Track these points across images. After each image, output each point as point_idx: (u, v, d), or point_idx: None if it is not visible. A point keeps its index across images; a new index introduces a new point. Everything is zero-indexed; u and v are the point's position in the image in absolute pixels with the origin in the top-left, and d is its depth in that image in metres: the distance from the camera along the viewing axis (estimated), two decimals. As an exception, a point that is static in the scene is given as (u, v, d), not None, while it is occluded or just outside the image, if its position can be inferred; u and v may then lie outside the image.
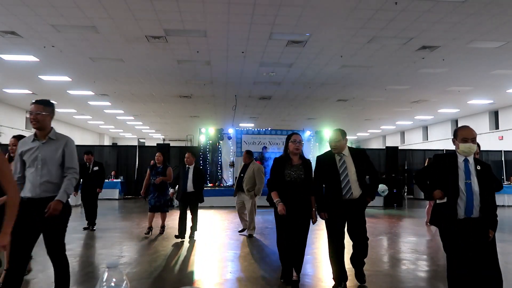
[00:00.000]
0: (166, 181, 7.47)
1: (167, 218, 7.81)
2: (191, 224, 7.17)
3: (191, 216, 7.19)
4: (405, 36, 8.87)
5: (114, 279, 1.14)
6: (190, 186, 7.04)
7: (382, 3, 7.20)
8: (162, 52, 10.17)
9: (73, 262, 5.34)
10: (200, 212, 7.78)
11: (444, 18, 7.82)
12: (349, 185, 3.93)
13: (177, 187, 7.38)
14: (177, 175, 7.35)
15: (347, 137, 4.22)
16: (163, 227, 7.67)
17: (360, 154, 4.17)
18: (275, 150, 15.36)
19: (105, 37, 9.06)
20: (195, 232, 7.27)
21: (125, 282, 1.15)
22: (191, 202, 7.13)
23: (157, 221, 7.67)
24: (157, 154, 7.67)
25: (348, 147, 4.17)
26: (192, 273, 4.91)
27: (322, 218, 4.09)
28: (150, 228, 7.42)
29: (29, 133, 20.26)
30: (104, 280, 1.14)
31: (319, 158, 4.22)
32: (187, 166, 7.16)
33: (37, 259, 5.50)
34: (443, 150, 18.71)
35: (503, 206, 14.14)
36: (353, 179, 3.96)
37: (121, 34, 8.86)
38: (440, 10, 7.46)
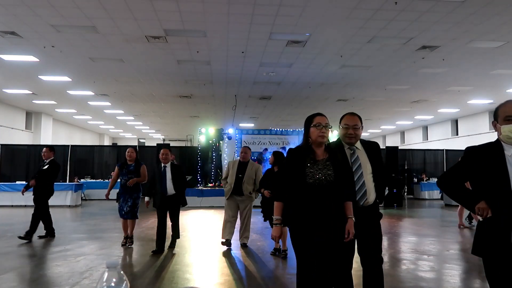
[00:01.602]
0: (139, 182, 6.35)
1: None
2: (172, 233, 6.21)
3: (171, 223, 6.19)
4: (405, 36, 8.87)
5: (114, 279, 1.14)
6: (170, 188, 5.99)
7: (382, 3, 7.20)
8: (162, 52, 10.17)
9: (73, 262, 5.34)
10: (201, 212, 7.64)
11: (444, 18, 7.82)
12: (364, 188, 2.98)
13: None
14: (151, 178, 6.19)
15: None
16: (131, 237, 6.47)
17: (374, 148, 3.21)
18: (273, 150, 15.34)
19: (105, 37, 9.06)
20: (177, 240, 6.29)
21: (125, 282, 1.15)
22: (172, 207, 6.10)
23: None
24: (128, 150, 6.46)
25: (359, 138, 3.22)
26: (192, 273, 4.91)
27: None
28: (126, 238, 6.43)
29: (29, 133, 20.33)
30: (104, 280, 1.13)
31: None
32: (162, 165, 6.07)
33: (36, 259, 5.50)
34: (443, 150, 18.70)
35: None
36: (368, 179, 3.03)
37: (121, 34, 8.86)
38: (440, 10, 7.46)
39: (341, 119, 3.18)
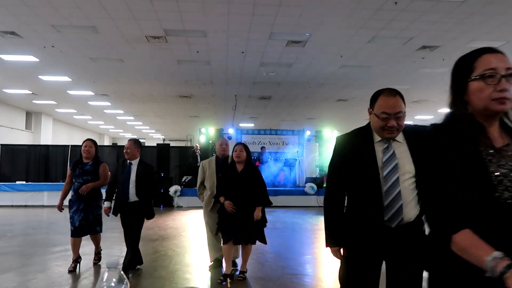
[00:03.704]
0: (98, 187, 4.94)
1: (166, 218, 6.08)
2: (128, 255, 4.74)
3: (129, 240, 4.72)
4: (405, 36, 8.88)
5: (114, 279, 1.14)
6: (132, 193, 4.59)
7: (382, 3, 7.20)
8: (162, 52, 10.17)
9: (73, 262, 5.34)
10: (201, 212, 7.47)
11: (444, 18, 7.82)
12: (399, 201, 1.99)
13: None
14: (113, 179, 4.88)
15: None
16: (98, 253, 5.29)
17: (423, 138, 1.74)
18: (273, 150, 15.33)
19: (105, 37, 9.06)
20: (138, 266, 4.85)
21: (125, 282, 1.15)
22: (133, 218, 4.67)
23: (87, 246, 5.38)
24: (86, 144, 4.95)
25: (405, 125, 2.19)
26: (192, 273, 4.91)
27: (335, 255, 2.25)
28: (77, 261, 4.93)
29: (29, 133, 20.32)
30: (104, 280, 1.13)
31: (341, 142, 2.31)
32: (128, 162, 4.75)
33: (36, 259, 5.50)
34: (443, 150, 18.74)
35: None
36: (407, 187, 2.01)
37: (121, 34, 8.86)
38: (440, 10, 7.47)
39: (373, 100, 2.21)
